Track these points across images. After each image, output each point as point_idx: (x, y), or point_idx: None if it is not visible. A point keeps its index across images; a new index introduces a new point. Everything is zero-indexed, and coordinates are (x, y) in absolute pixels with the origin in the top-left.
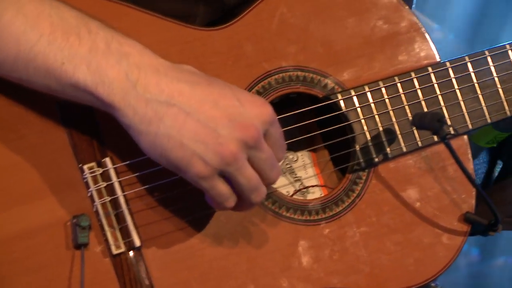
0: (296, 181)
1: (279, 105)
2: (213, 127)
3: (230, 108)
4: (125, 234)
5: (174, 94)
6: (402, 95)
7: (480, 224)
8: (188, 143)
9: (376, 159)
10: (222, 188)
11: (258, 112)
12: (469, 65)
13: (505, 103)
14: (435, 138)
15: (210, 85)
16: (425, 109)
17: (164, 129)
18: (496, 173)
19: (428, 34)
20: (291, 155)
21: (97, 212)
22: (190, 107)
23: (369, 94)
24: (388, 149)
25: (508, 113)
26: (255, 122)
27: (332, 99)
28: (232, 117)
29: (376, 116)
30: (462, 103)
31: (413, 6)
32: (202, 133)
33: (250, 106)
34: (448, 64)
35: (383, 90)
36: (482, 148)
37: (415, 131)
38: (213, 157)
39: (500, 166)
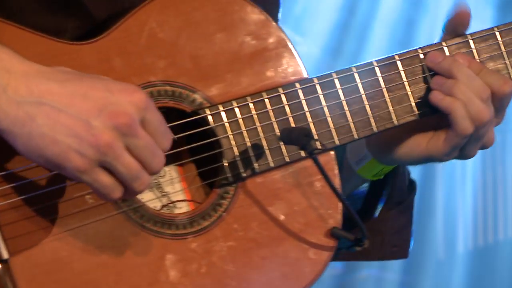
0: (163, 196)
1: None
2: (85, 119)
3: (101, 99)
4: None
5: (43, 93)
6: (270, 111)
7: (347, 239)
8: (62, 138)
9: (244, 174)
10: (104, 179)
11: (130, 99)
12: (336, 81)
13: (371, 120)
14: (303, 153)
15: (80, 80)
16: (293, 125)
17: (37, 129)
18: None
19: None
20: None
21: None
22: (60, 103)
23: (237, 110)
24: (255, 164)
25: (375, 129)
26: (127, 109)
27: (200, 114)
28: (103, 107)
29: (244, 132)
30: (329, 119)
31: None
32: (74, 127)
33: (121, 94)
34: (315, 80)
35: (251, 105)
36: (367, 180)
37: (283, 147)
38: (89, 149)
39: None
